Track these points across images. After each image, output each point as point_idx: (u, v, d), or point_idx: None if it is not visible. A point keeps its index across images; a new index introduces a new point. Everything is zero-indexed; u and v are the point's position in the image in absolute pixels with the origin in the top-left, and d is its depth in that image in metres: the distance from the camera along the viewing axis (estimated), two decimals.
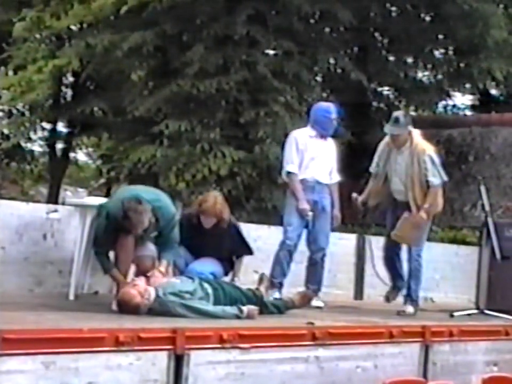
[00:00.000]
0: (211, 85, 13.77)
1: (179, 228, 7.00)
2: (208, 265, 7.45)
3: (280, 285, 8.14)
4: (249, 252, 7.85)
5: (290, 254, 8.19)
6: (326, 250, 8.37)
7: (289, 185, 8.33)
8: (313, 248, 8.33)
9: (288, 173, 8.28)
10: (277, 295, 7.88)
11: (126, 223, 6.47)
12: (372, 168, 8.46)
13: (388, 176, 8.31)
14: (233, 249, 7.72)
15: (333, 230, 8.59)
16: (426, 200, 8.07)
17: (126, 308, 6.15)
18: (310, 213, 8.17)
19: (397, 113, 8.31)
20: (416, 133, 8.23)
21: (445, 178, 8.21)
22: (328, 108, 8.54)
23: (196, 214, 7.60)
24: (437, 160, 8.15)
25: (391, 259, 8.51)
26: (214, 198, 7.61)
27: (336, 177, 8.54)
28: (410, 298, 8.35)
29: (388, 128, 8.21)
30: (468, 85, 18.37)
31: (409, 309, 8.26)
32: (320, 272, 8.37)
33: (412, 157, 8.09)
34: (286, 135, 8.82)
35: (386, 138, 8.32)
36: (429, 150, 8.17)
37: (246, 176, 13.74)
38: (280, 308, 7.12)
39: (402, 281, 8.49)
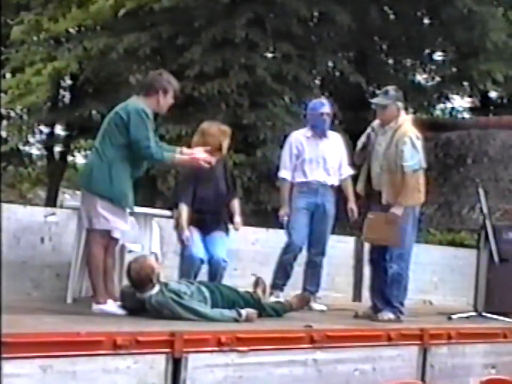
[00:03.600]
0: (212, 87, 13.77)
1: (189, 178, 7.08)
2: (220, 248, 7.29)
3: (283, 286, 8.11)
4: (236, 193, 7.64)
5: (295, 257, 8.13)
6: (325, 253, 8.30)
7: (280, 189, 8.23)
8: (314, 251, 8.25)
9: (280, 178, 8.22)
10: (279, 296, 7.87)
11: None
12: (358, 147, 7.62)
13: (371, 162, 7.49)
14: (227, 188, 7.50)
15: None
16: (402, 191, 7.20)
17: (137, 274, 6.20)
18: (285, 218, 8.09)
19: (389, 87, 7.68)
20: (406, 116, 7.66)
21: (423, 164, 7.36)
22: (315, 104, 8.34)
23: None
24: (418, 144, 7.34)
25: (377, 263, 7.58)
26: (212, 133, 7.38)
27: (348, 171, 8.27)
28: (390, 305, 7.39)
29: (375, 99, 7.70)
30: (467, 88, 18.39)
31: (385, 316, 7.30)
32: (320, 274, 8.32)
33: (393, 137, 7.34)
34: (286, 138, 8.66)
35: (375, 121, 7.58)
36: (411, 132, 7.37)
37: (246, 179, 13.73)
38: (278, 311, 7.09)
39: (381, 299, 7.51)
